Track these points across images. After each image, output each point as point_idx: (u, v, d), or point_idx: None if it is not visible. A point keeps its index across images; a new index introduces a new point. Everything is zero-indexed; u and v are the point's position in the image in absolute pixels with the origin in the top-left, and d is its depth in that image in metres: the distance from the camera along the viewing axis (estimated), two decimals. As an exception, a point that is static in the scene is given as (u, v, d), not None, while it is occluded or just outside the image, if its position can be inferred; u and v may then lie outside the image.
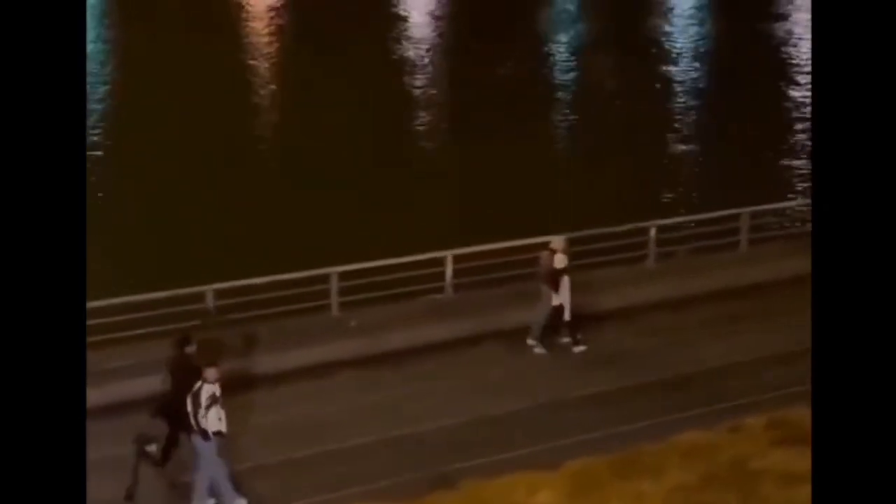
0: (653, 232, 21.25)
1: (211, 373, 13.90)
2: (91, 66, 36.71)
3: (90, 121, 31.98)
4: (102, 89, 36.36)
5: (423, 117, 34.71)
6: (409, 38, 42.87)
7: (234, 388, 15.54)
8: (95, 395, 14.13)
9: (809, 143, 32.15)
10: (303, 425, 15.95)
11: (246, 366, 17.33)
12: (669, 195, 28.66)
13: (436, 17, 45.76)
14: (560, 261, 18.07)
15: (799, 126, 33.93)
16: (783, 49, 41.97)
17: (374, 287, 19.22)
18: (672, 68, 39.86)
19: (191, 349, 14.73)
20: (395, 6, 47.22)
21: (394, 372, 17.63)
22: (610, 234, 20.61)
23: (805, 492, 6.39)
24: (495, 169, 29.05)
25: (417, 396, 16.80)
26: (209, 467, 13.92)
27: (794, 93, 37.01)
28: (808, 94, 36.79)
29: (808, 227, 24.38)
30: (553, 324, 18.26)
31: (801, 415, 7.36)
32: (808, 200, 26.64)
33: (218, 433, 13.85)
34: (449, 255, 19.96)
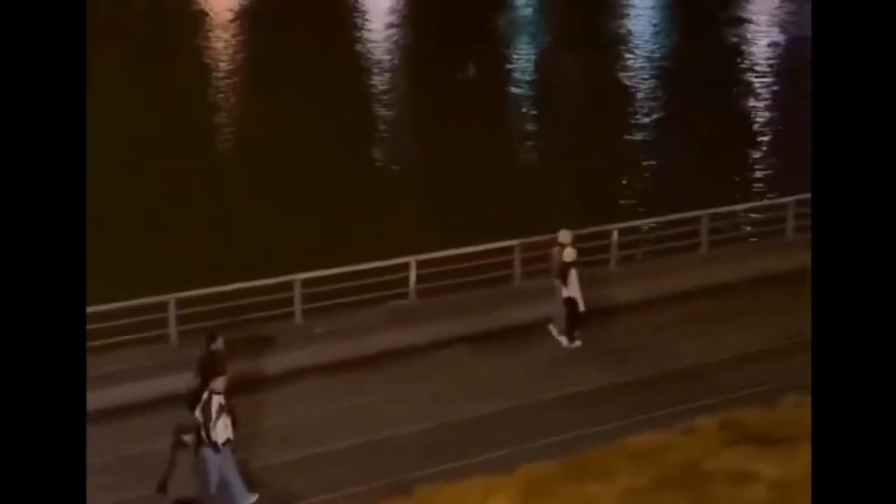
0: (615, 235, 21.35)
1: (219, 383, 13.99)
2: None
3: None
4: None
5: (385, 123, 34.69)
6: (369, 44, 42.81)
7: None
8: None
9: (768, 146, 32.44)
10: (264, 434, 15.91)
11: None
12: (630, 200, 28.79)
13: (394, 24, 45.76)
14: (568, 255, 18.51)
15: (756, 129, 34.18)
16: (742, 53, 42.25)
17: (338, 294, 19.20)
18: (632, 71, 40.05)
19: (217, 346, 14.88)
20: (356, 13, 47.17)
21: (358, 377, 17.62)
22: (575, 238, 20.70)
23: (755, 491, 6.43)
24: (458, 174, 29.07)
25: (382, 403, 16.79)
26: (221, 470, 14.09)
27: (752, 96, 37.27)
28: (765, 98, 37.14)
29: (766, 228, 24.66)
30: (569, 317, 18.59)
31: (754, 415, 7.41)
32: (763, 202, 26.94)
33: (226, 441, 14.06)
34: (412, 260, 19.98)
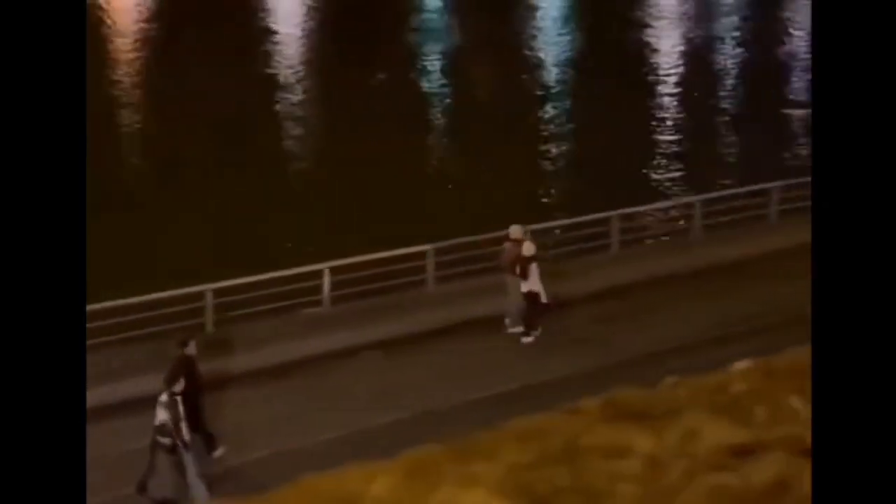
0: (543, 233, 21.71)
1: (180, 384, 14.18)
2: None
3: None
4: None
5: (297, 128, 34.63)
6: (278, 53, 42.76)
7: (102, 413, 15.45)
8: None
9: (678, 148, 33.03)
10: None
11: (118, 389, 17.06)
12: (544, 199, 29.15)
13: (304, 31, 45.75)
14: (528, 249, 18.59)
15: (665, 131, 34.75)
16: (648, 56, 42.92)
17: (251, 302, 19.24)
18: (541, 74, 40.48)
19: (189, 350, 15.07)
20: (264, 19, 47.06)
21: (269, 387, 17.63)
22: (489, 240, 20.94)
23: (629, 463, 6.67)
24: (369, 180, 29.18)
25: (297, 412, 16.81)
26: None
27: (658, 99, 37.89)
28: (671, 100, 37.80)
29: (674, 227, 25.21)
30: (529, 311, 18.67)
31: (634, 394, 7.66)
32: (671, 203, 27.48)
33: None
34: (325, 267, 20.08)
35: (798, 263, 20.51)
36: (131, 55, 42.14)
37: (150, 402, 14.62)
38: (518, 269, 18.61)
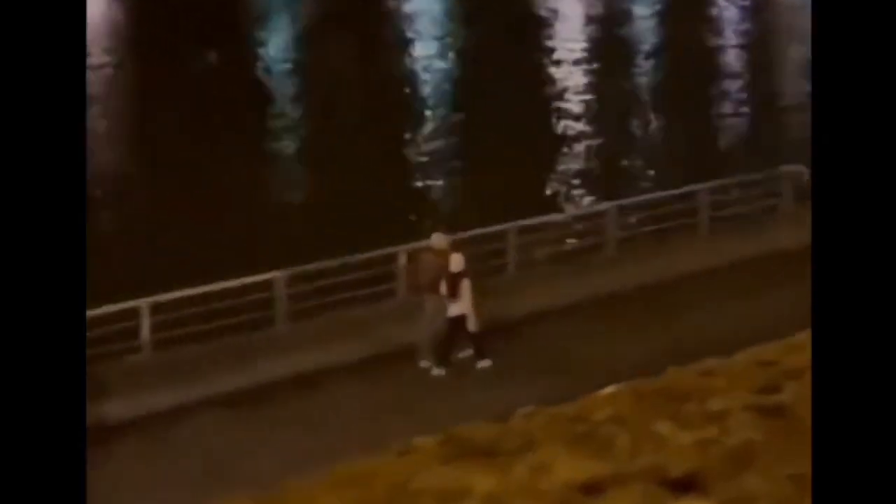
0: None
1: None
2: None
3: None
4: None
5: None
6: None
7: None
8: None
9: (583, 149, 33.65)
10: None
11: None
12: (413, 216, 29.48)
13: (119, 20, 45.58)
14: (457, 262, 18.55)
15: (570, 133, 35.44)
16: (546, 39, 43.68)
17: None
18: (417, 58, 40.81)
19: None
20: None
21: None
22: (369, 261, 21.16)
23: (465, 504, 7.13)
24: (193, 194, 29.19)
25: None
26: None
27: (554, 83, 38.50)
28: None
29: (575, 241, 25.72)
30: (450, 338, 18.76)
31: (480, 430, 8.12)
32: (574, 213, 28.06)
33: None
34: (144, 304, 20.04)
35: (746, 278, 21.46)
36: None
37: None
38: (444, 288, 18.61)
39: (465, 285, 18.53)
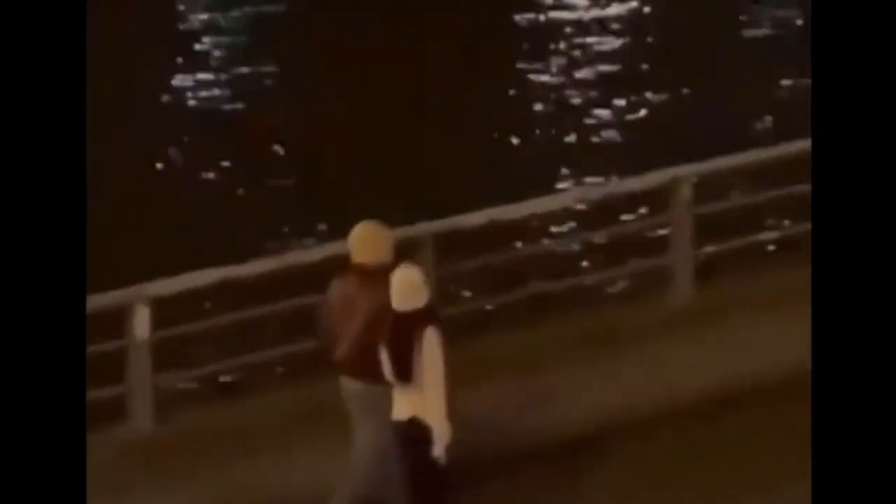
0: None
1: None
2: None
3: None
4: None
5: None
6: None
7: None
8: None
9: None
10: None
11: None
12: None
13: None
14: (407, 289, 8.33)
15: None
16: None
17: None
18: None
19: None
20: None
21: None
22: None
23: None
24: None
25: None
26: None
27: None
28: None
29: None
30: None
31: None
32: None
33: None
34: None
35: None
36: None
37: None
38: (385, 354, 8.38)
39: (431, 342, 8.31)
